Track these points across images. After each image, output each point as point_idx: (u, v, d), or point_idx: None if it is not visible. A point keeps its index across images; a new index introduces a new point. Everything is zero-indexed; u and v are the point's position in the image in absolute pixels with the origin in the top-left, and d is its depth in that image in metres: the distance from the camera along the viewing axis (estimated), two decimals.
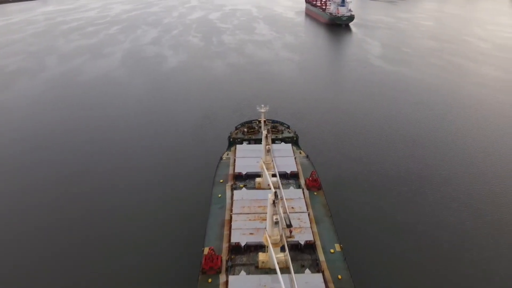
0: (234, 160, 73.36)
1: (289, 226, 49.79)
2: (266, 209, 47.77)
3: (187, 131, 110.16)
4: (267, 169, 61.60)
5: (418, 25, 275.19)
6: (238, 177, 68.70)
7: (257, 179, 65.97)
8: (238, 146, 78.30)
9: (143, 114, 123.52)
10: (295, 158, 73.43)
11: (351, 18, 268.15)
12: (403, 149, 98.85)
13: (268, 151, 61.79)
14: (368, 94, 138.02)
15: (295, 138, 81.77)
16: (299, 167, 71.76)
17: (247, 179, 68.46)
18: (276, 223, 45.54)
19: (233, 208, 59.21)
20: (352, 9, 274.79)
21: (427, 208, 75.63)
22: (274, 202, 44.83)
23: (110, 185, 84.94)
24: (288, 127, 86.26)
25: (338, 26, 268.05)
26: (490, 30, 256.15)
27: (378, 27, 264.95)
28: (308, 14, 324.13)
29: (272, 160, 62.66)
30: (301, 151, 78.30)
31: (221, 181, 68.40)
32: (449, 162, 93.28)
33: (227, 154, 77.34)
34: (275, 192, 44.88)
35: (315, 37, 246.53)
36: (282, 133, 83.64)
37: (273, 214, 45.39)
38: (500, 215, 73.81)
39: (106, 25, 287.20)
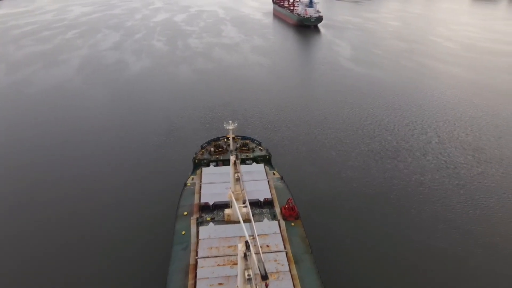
0: (200, 187, 64.69)
1: (264, 278, 41.69)
2: (236, 249, 39.63)
3: (148, 152, 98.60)
4: (237, 199, 53.49)
5: (385, 25, 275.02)
6: (205, 207, 60.19)
7: (226, 211, 57.72)
8: (204, 169, 69.71)
9: (98, 131, 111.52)
10: (268, 182, 65.62)
11: (320, 19, 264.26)
12: (383, 160, 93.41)
13: (238, 179, 53.53)
14: (342, 101, 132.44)
15: (267, 157, 74.04)
16: (273, 191, 64.08)
17: (215, 209, 60.07)
18: (249, 279, 37.44)
19: (199, 250, 50.68)
20: (320, 10, 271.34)
21: (414, 233, 69.33)
22: (245, 255, 36.71)
23: (50, 222, 72.99)
24: (260, 144, 78.35)
25: (306, 27, 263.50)
26: (455, 30, 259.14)
27: (347, 28, 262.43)
28: (276, 15, 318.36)
29: (242, 190, 54.47)
30: (275, 172, 70.62)
31: (185, 213, 59.61)
32: (430, 170, 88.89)
33: (192, 179, 68.51)
34: (246, 243, 36.84)
35: (284, 39, 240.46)
36: (253, 151, 75.70)
37: (245, 269, 37.26)
38: (490, 232, 69.09)
39: (63, 29, 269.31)
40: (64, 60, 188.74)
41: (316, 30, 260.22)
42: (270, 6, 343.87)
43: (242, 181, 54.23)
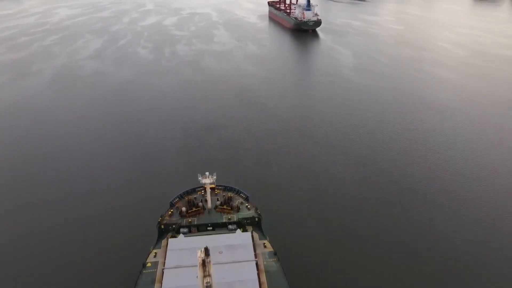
0: (162, 272, 46.91)
1: None
2: None
3: (102, 212, 74.60)
4: None
5: (387, 29, 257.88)
6: None
7: None
8: (171, 241, 51.96)
9: (49, 171, 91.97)
10: (257, 263, 47.92)
11: (318, 23, 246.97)
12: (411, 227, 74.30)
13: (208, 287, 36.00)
14: (350, 129, 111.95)
15: (257, 219, 56.30)
16: (264, 278, 46.43)
17: None
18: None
19: None
20: (318, 13, 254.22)
21: None
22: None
23: None
24: (247, 199, 60.52)
25: (304, 31, 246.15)
26: (462, 34, 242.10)
27: (347, 33, 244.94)
28: (271, 18, 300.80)
29: None
30: (266, 243, 52.82)
31: None
32: (452, 208, 71.38)
33: (155, 255, 50.76)
34: (206, 249, 33.83)
35: (280, 46, 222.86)
36: (238, 209, 57.95)
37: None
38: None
39: (42, 34, 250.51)
40: (36, 71, 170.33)
41: (315, 34, 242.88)
42: (265, 8, 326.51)
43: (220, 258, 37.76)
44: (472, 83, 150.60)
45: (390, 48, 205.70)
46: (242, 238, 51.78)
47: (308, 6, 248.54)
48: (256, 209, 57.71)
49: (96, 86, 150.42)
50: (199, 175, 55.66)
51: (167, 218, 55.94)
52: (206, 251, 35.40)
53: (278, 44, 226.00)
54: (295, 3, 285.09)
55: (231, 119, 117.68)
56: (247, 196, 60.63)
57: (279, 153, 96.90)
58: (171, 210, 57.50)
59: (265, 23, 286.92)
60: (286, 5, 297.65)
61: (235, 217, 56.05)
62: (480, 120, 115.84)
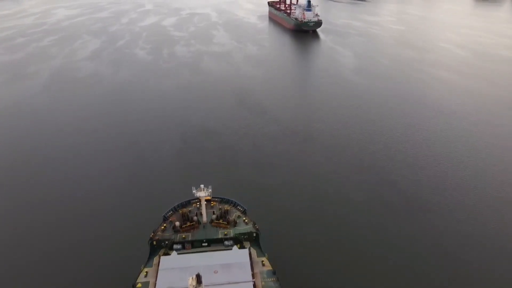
0: None
1: None
2: None
3: (90, 227, 70.47)
4: None
5: (388, 29, 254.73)
6: None
7: None
8: (163, 259, 49.07)
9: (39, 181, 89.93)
10: (254, 285, 45.03)
11: (319, 23, 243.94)
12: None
13: None
14: (352, 133, 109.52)
15: (254, 235, 53.37)
16: None
17: None
18: None
19: None
20: (318, 14, 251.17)
21: None
22: None
23: None
24: (245, 213, 57.60)
25: (305, 32, 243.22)
26: (464, 34, 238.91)
27: (348, 33, 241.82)
28: (271, 19, 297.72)
29: None
30: (265, 260, 49.92)
31: None
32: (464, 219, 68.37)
33: (146, 274, 47.88)
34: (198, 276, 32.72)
35: (280, 47, 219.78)
36: (235, 224, 55.03)
37: None
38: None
39: (40, 35, 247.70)
40: (32, 73, 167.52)
41: (315, 35, 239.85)
42: (265, 8, 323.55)
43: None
44: (475, 84, 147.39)
45: (391, 49, 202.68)
46: (239, 256, 48.89)
47: (309, 6, 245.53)
48: (254, 224, 54.75)
49: (92, 89, 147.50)
50: (193, 188, 52.75)
51: (159, 233, 53.02)
52: (198, 278, 33.41)
53: (278, 45, 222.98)
54: (295, 3, 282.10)
55: (230, 123, 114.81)
56: (245, 209, 57.68)
57: (279, 160, 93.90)
58: (164, 225, 54.56)
59: (265, 24, 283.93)
60: (286, 6, 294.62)
61: (231, 232, 53.13)
62: (485, 124, 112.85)
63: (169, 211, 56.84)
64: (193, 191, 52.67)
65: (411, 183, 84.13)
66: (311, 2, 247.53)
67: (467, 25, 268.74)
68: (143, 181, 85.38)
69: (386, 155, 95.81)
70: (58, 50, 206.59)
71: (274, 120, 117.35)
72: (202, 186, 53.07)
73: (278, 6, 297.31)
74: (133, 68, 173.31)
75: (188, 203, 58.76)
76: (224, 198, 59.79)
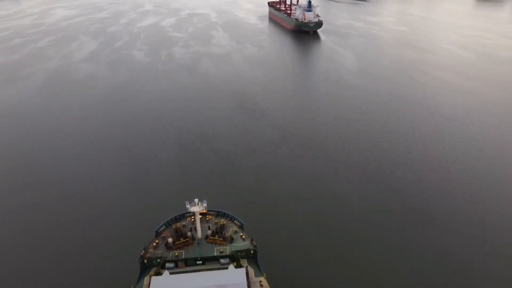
0: None
1: None
2: None
3: (77, 244, 66.05)
4: None
5: (390, 30, 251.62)
6: None
7: None
8: (154, 279, 46.05)
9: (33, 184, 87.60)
10: None
11: (319, 24, 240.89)
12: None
13: None
14: (354, 138, 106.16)
15: (252, 252, 50.40)
16: None
17: None
18: None
19: None
20: (319, 14, 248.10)
21: None
22: None
23: None
24: (242, 227, 54.62)
25: (305, 33, 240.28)
26: (466, 35, 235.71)
27: (349, 34, 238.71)
28: (272, 19, 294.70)
29: None
30: (262, 280, 47.06)
31: None
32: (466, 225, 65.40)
33: None
34: None
35: (280, 48, 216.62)
36: (232, 240, 52.04)
37: None
38: None
39: (37, 35, 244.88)
40: (27, 75, 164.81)
41: (316, 36, 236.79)
42: (265, 9, 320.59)
43: None
44: (478, 86, 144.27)
45: (392, 50, 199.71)
46: (235, 276, 45.96)
47: (309, 7, 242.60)
48: (251, 240, 51.81)
49: (89, 91, 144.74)
50: (187, 202, 49.80)
51: (151, 250, 50.10)
52: None
53: (278, 46, 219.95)
54: (295, 3, 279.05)
55: (228, 128, 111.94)
56: (242, 224, 54.70)
57: (278, 169, 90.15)
58: (156, 241, 51.62)
59: (265, 24, 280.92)
60: (287, 6, 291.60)
61: (228, 249, 50.22)
62: (490, 129, 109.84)
63: (162, 225, 53.89)
64: (187, 206, 49.72)
65: (417, 191, 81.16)
66: (312, 3, 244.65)
67: (468, 25, 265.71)
68: (136, 190, 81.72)
69: (390, 161, 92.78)
70: (55, 52, 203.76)
71: (274, 124, 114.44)
72: (196, 200, 50.17)
73: (278, 6, 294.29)
74: (131, 70, 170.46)
75: (182, 216, 55.83)
76: (221, 212, 56.81)
